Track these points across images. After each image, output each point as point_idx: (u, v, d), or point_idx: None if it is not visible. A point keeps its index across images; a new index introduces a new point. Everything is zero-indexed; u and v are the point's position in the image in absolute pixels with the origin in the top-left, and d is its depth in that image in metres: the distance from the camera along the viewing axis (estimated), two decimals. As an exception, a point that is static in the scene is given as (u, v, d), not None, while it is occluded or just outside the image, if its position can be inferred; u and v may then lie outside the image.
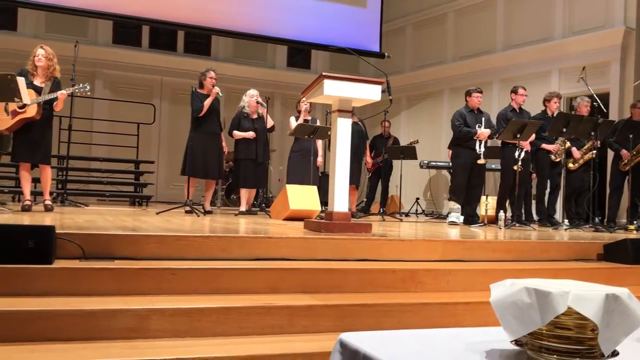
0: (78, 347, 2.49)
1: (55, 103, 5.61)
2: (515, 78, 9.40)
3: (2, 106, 5.36)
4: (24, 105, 5.35)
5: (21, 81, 5.01)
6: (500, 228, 6.29)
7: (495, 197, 7.31)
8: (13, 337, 2.50)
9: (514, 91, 7.21)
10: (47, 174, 5.75)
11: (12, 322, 2.53)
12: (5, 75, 4.94)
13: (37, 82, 5.56)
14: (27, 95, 5.18)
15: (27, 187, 5.68)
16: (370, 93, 4.40)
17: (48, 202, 5.71)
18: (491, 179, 9.65)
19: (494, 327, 1.52)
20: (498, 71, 10.19)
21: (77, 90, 5.71)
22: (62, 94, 5.54)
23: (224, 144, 7.11)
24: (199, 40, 12.00)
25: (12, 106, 5.35)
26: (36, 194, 6.80)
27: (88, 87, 5.82)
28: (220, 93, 6.77)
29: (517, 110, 7.12)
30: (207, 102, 6.71)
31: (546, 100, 7.48)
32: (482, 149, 6.77)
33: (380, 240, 3.90)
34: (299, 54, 12.80)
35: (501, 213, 6.48)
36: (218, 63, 11.05)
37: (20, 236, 2.92)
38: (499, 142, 7.20)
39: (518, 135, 6.41)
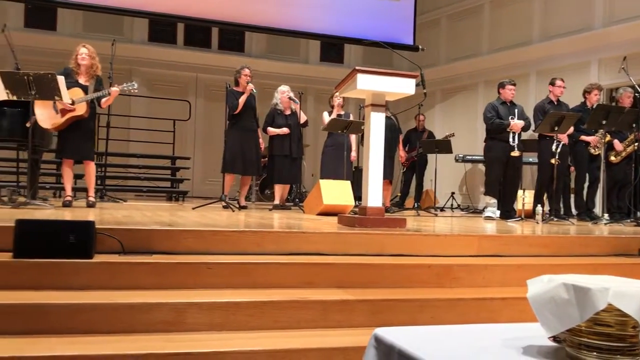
0: (117, 339, 2.55)
1: (105, 100, 5.73)
2: (552, 70, 9.19)
3: (51, 104, 5.49)
4: (73, 103, 5.48)
5: (61, 80, 5.13)
6: (537, 223, 6.18)
7: (533, 191, 7.19)
8: (56, 329, 2.58)
9: (552, 83, 7.06)
10: (91, 170, 5.86)
11: (55, 314, 2.61)
12: (46, 74, 5.06)
13: (81, 80, 5.69)
14: (66, 94, 5.29)
15: (69, 183, 5.81)
16: (404, 87, 4.37)
17: (91, 199, 5.82)
18: (528, 172, 9.48)
19: (531, 323, 1.50)
20: (535, 63, 9.98)
21: (125, 88, 5.80)
22: (115, 90, 5.65)
23: (260, 140, 7.17)
24: (233, 36, 12.09)
25: (61, 104, 5.49)
26: (76, 190, 6.96)
27: (135, 85, 5.92)
28: (254, 90, 6.83)
29: (555, 103, 6.98)
30: (242, 100, 6.77)
31: (586, 92, 7.31)
32: (516, 141, 6.66)
33: (414, 235, 3.88)
34: (332, 48, 12.78)
35: (538, 207, 6.37)
36: (252, 59, 11.12)
37: (62, 231, 3.00)
38: (536, 135, 7.06)
39: (556, 128, 6.27)
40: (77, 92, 5.55)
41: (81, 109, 5.52)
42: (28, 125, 5.50)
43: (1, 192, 6.48)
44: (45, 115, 5.52)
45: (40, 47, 10.11)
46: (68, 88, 5.54)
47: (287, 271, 3.22)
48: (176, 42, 11.76)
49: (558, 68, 9.23)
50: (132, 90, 5.88)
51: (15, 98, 5.11)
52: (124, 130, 10.15)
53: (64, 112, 5.52)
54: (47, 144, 6.38)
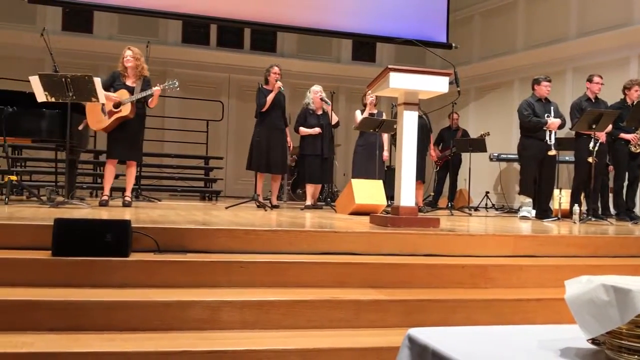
0: (154, 336, 2.59)
1: (150, 100, 5.83)
2: (590, 66, 8.99)
3: (99, 107, 5.65)
4: (119, 105, 5.60)
5: (97, 82, 5.23)
6: (574, 222, 6.06)
7: (569, 191, 7.04)
8: (94, 326, 2.63)
9: (589, 80, 6.90)
10: (132, 171, 5.98)
11: (93, 312, 2.66)
12: (83, 76, 5.16)
13: (129, 82, 5.82)
14: (103, 95, 5.40)
15: (108, 183, 5.92)
16: (438, 85, 4.33)
17: (127, 199, 5.93)
18: (565, 171, 9.29)
19: (569, 324, 1.47)
20: (572, 59, 9.78)
21: (167, 87, 5.87)
22: (157, 90, 5.73)
23: (289, 139, 7.19)
24: (265, 37, 12.15)
25: (109, 106, 5.63)
26: (111, 190, 7.09)
27: (177, 83, 5.99)
28: (282, 87, 6.84)
29: (592, 100, 6.82)
30: (270, 97, 6.79)
31: (626, 89, 7.12)
32: (553, 140, 6.53)
33: (448, 235, 3.84)
34: (364, 47, 12.74)
35: (576, 207, 6.23)
36: (283, 59, 11.16)
37: (99, 230, 3.06)
38: (572, 133, 6.92)
39: (593, 126, 6.13)
40: (123, 94, 5.69)
41: (126, 110, 5.65)
42: (80, 128, 5.71)
43: (40, 192, 6.65)
44: (94, 117, 5.72)
45: (77, 49, 10.33)
46: (116, 90, 5.70)
47: (320, 270, 3.22)
48: (209, 43, 11.88)
49: (596, 64, 9.02)
50: (174, 89, 5.92)
51: (53, 100, 5.24)
52: (159, 130, 10.31)
53: (110, 113, 5.67)
54: (84, 144, 6.52)
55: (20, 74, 6.88)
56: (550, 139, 6.54)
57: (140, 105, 5.82)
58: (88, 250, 3.02)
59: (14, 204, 5.48)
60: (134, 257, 3.10)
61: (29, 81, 5.28)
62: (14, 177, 5.75)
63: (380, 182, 6.56)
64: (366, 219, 4.89)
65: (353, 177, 6.89)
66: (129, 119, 5.69)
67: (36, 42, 6.51)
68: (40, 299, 2.66)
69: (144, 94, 5.70)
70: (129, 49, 5.90)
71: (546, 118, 6.59)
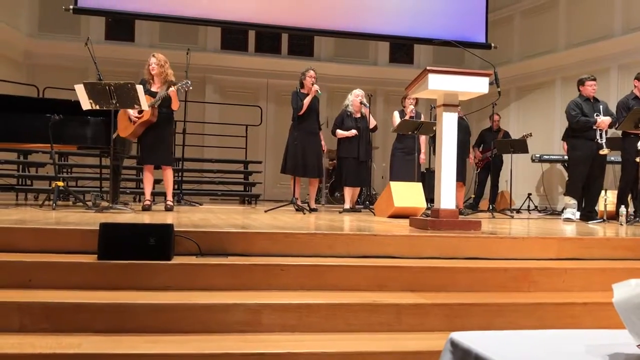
0: (196, 339, 2.63)
1: (172, 103, 5.90)
2: (636, 63, 8.72)
3: (127, 114, 5.81)
4: (141, 111, 5.72)
5: (139, 89, 5.35)
6: (621, 224, 5.88)
7: (615, 192, 6.84)
8: (138, 328, 2.69)
9: (638, 78, 6.69)
10: (168, 175, 6.07)
11: (137, 314, 2.72)
12: (126, 83, 5.28)
13: (154, 88, 5.93)
14: (145, 102, 5.51)
15: (148, 188, 6.04)
16: (477, 86, 4.27)
17: (169, 203, 6.03)
18: (610, 172, 9.03)
19: (617, 329, 1.43)
20: (616, 57, 9.50)
21: (180, 87, 5.88)
22: (172, 91, 5.79)
23: (323, 142, 7.20)
24: (302, 41, 12.22)
25: (134, 115, 5.77)
26: (154, 194, 7.23)
27: (189, 82, 6.00)
28: (319, 91, 6.85)
29: (640, 98, 6.61)
30: (307, 101, 6.82)
31: (674, 87, 6.88)
32: (604, 139, 6.36)
33: (490, 238, 3.78)
34: (402, 49, 12.67)
35: (622, 208, 6.05)
36: (321, 63, 11.19)
37: (143, 234, 3.12)
38: (619, 133, 6.72)
39: (640, 125, 5.95)
40: (147, 100, 5.81)
41: (146, 114, 5.77)
42: (113, 137, 5.89)
43: (86, 197, 6.83)
44: (122, 124, 5.91)
45: (120, 58, 10.59)
46: None
47: (359, 274, 3.21)
48: (247, 49, 12.02)
49: (642, 61, 8.76)
50: (187, 88, 5.93)
51: (97, 107, 5.37)
52: (199, 136, 10.48)
53: (135, 120, 5.83)
54: (127, 151, 6.68)
55: (66, 83, 7.09)
56: (600, 138, 6.38)
57: (165, 110, 5.89)
58: (132, 253, 3.08)
59: (60, 209, 5.64)
60: (177, 260, 3.15)
61: (74, 90, 5.43)
62: (60, 183, 5.91)
63: (420, 184, 6.49)
64: (405, 222, 4.85)
65: (391, 180, 6.85)
66: (152, 122, 5.79)
67: (81, 52, 6.69)
68: (86, 302, 2.73)
69: (158, 97, 5.77)
70: (153, 56, 5.99)
71: (595, 117, 6.43)
